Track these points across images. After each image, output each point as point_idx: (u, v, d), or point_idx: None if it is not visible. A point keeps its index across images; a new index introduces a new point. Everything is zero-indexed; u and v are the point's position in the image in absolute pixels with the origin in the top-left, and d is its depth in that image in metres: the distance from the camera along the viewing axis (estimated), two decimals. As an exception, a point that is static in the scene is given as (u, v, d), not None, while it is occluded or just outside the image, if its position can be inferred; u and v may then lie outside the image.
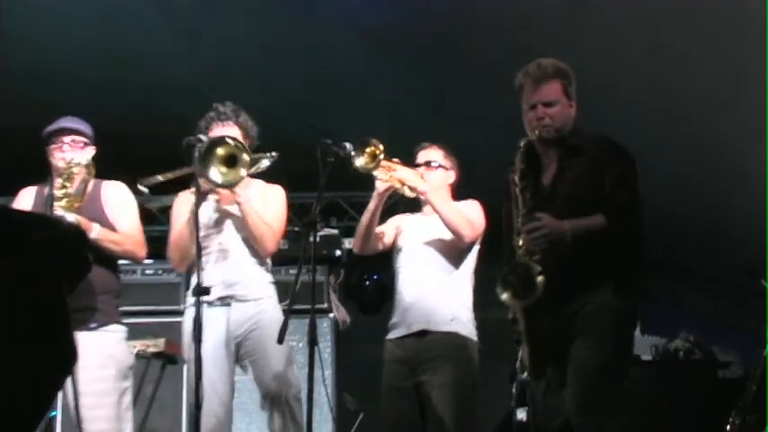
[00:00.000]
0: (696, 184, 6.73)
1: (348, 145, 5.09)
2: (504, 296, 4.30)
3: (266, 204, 5.24)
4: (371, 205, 5.34)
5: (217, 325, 5.12)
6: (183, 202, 5.29)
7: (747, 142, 6.15)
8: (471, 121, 7.17)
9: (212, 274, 5.16)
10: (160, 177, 5.22)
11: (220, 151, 4.97)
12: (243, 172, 4.98)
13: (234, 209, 5.19)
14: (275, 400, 5.09)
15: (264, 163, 5.22)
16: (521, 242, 4.31)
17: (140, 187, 5.28)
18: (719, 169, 6.52)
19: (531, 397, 4.57)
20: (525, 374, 6.39)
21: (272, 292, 5.27)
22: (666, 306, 8.62)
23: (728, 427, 5.52)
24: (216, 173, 4.97)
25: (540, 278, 4.18)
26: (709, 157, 6.35)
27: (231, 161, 4.98)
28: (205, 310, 5.04)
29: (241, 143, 5.04)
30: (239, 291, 5.17)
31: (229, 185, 5.03)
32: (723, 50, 5.74)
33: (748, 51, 5.53)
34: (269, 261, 5.33)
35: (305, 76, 7.18)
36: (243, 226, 5.17)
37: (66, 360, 2.06)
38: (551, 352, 4.36)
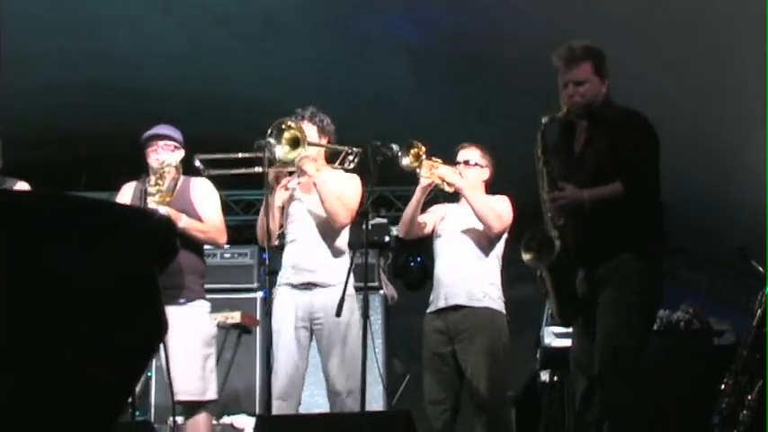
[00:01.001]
0: (694, 173, 6.64)
1: (395, 146, 5.10)
2: (527, 257, 4.24)
3: (342, 187, 5.20)
4: (415, 197, 5.34)
5: (297, 306, 5.12)
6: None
7: (746, 129, 6.04)
8: (499, 125, 7.14)
9: (292, 259, 5.18)
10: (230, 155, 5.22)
11: (286, 135, 4.99)
12: (300, 151, 4.98)
13: (313, 200, 5.18)
14: (335, 388, 5.06)
15: (350, 160, 5.21)
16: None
17: (197, 161, 5.27)
18: (717, 158, 6.43)
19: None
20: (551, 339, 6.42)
21: (350, 279, 5.20)
22: (668, 282, 8.56)
23: (723, 387, 5.46)
24: (280, 151, 4.98)
25: (557, 241, 4.12)
26: (707, 146, 6.25)
27: (295, 144, 5.00)
28: (287, 291, 5.08)
29: (298, 125, 5.04)
30: (316, 277, 5.14)
31: (291, 161, 5.03)
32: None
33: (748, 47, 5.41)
34: (344, 247, 5.27)
35: (360, 89, 7.18)
36: (320, 214, 5.18)
37: (158, 329, 2.07)
38: (580, 303, 4.24)
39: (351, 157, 5.23)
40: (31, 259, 1.78)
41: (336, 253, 5.19)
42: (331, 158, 5.33)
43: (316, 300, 5.10)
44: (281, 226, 5.28)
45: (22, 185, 4.79)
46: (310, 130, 5.16)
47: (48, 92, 7.26)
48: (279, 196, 5.22)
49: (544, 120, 4.27)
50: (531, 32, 5.98)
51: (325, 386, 5.14)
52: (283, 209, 5.24)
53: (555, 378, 7.14)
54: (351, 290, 5.11)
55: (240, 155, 5.18)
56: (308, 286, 5.13)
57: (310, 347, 5.16)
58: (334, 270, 5.13)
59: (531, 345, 7.34)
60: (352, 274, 5.04)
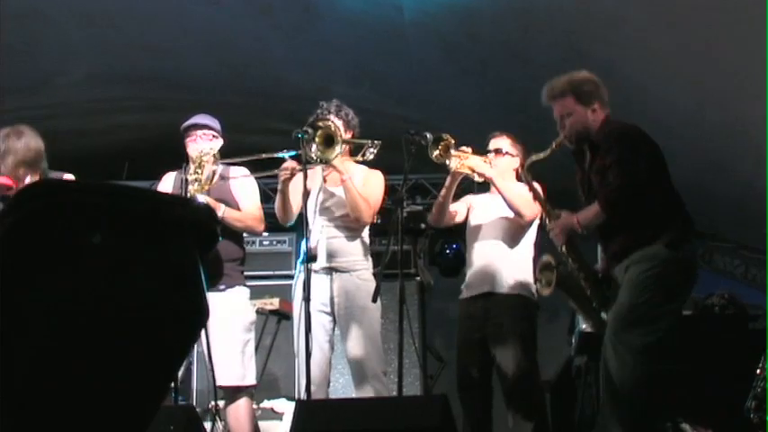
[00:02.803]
0: (729, 158, 6.58)
1: (428, 134, 5.09)
2: (537, 286, 4.88)
3: (366, 184, 5.24)
4: (445, 187, 5.36)
5: (321, 290, 5.14)
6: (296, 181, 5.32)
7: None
8: (534, 113, 7.10)
9: (319, 245, 5.19)
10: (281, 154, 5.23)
11: (320, 133, 5.00)
12: (337, 149, 5.00)
13: (339, 189, 5.20)
14: (359, 371, 5.09)
15: (371, 151, 5.21)
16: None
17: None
18: (751, 144, 6.36)
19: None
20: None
21: (368, 265, 5.26)
22: (704, 268, 8.51)
23: (758, 371, 5.42)
24: (315, 150, 5.00)
25: (555, 267, 4.64)
26: (741, 131, 6.18)
27: (329, 142, 5.02)
28: (313, 276, 5.09)
29: (333, 124, 5.05)
30: (340, 262, 5.18)
31: (326, 161, 5.04)
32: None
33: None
34: (366, 235, 5.32)
35: (396, 78, 7.17)
36: (345, 203, 5.18)
37: (200, 315, 2.08)
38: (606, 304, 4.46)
39: (371, 149, 5.23)
40: (78, 247, 1.80)
41: (358, 239, 5.22)
42: (353, 150, 5.33)
43: (335, 285, 5.13)
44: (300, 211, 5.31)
45: (69, 177, 4.83)
46: (338, 125, 5.18)
47: (90, 83, 7.31)
48: (295, 185, 5.21)
49: (528, 162, 4.73)
50: (570, 20, 5.93)
51: (350, 372, 5.17)
52: (307, 196, 5.24)
53: (590, 363, 7.11)
54: (369, 275, 5.14)
55: (274, 154, 5.19)
56: (329, 271, 5.16)
57: (334, 332, 5.19)
58: (356, 256, 5.17)
59: (565, 331, 7.31)
60: (370, 259, 5.19)
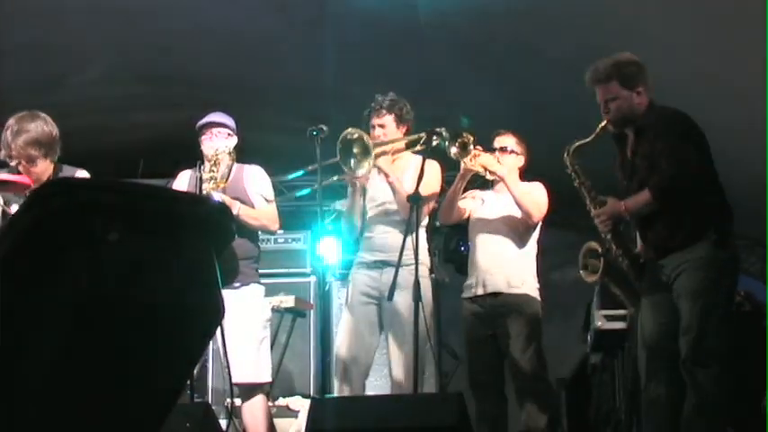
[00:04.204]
0: (746, 154, 6.55)
1: (444, 132, 5.07)
2: (583, 274, 4.72)
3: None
4: (455, 185, 5.34)
5: (368, 284, 5.15)
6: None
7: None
8: (544, 111, 7.09)
9: (368, 239, 5.20)
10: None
11: (356, 145, 4.99)
12: (371, 161, 4.98)
13: (387, 188, 5.20)
14: (396, 379, 5.06)
15: (434, 139, 5.13)
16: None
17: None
18: (764, 148, 6.33)
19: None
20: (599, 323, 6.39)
21: (424, 260, 5.16)
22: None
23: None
24: (355, 165, 4.99)
25: (603, 260, 4.53)
26: (759, 127, 6.16)
27: (365, 151, 5.00)
28: (362, 270, 5.09)
29: (362, 134, 5.03)
30: (389, 256, 5.11)
31: (363, 174, 5.04)
32: None
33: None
34: (422, 231, 5.25)
35: (411, 75, 7.16)
36: (393, 200, 5.18)
37: (215, 313, 2.09)
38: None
39: (435, 138, 5.15)
40: (94, 245, 1.81)
41: (411, 235, 5.20)
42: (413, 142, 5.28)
43: (386, 278, 5.11)
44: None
45: (82, 173, 4.83)
46: (387, 120, 5.17)
47: (105, 81, 7.32)
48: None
49: (572, 146, 4.59)
50: (585, 17, 5.92)
51: (388, 370, 5.16)
52: (364, 191, 5.28)
53: (605, 361, 7.10)
54: (423, 270, 5.10)
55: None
56: (380, 265, 5.15)
57: (379, 326, 5.17)
58: (407, 250, 5.13)
59: (579, 328, 7.30)
60: (426, 254, 5.23)
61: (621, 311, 6.21)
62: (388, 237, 5.19)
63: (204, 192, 4.93)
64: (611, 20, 5.81)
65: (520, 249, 5.39)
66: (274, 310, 6.42)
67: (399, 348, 5.04)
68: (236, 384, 4.96)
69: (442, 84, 7.30)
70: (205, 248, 2.03)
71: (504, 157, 5.42)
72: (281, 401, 6.81)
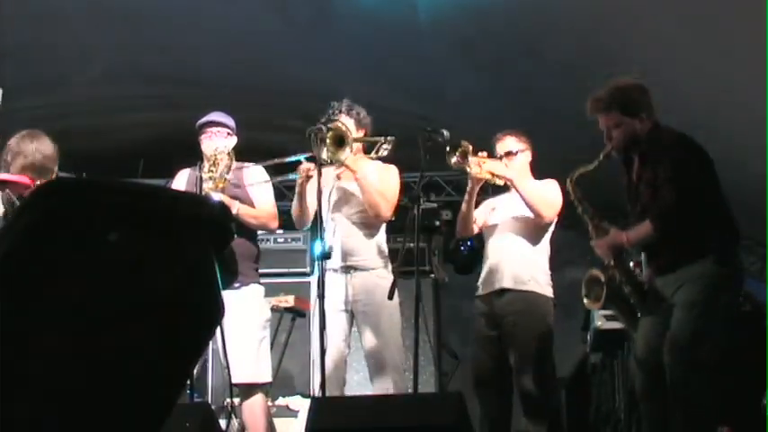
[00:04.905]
0: (746, 156, 6.54)
1: (445, 131, 5.06)
2: (586, 302, 4.79)
3: (381, 179, 5.23)
4: (467, 196, 5.34)
5: (338, 289, 5.14)
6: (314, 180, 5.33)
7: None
8: (546, 113, 7.08)
9: (334, 243, 5.18)
10: (299, 157, 5.21)
11: (330, 134, 4.99)
12: (347, 151, 4.99)
13: (353, 186, 5.20)
14: (378, 367, 5.10)
15: (384, 148, 5.20)
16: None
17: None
18: (765, 148, 6.33)
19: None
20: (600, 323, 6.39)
21: (385, 263, 5.24)
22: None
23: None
24: (326, 152, 4.99)
25: (606, 289, 4.56)
26: (761, 130, 6.16)
27: (340, 143, 5.01)
28: (331, 275, 5.09)
29: (342, 125, 5.05)
30: (358, 261, 5.17)
31: (337, 162, 5.04)
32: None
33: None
34: (383, 233, 5.31)
35: (411, 76, 7.17)
36: (361, 200, 5.18)
37: (215, 313, 2.08)
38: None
39: (385, 146, 5.21)
40: (93, 246, 1.80)
41: (375, 238, 5.21)
42: (367, 148, 5.33)
43: (354, 282, 5.12)
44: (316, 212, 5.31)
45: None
46: (348, 124, 5.17)
47: (105, 81, 7.32)
48: (313, 185, 5.23)
49: (576, 174, 4.60)
50: (585, 16, 5.91)
51: (367, 368, 5.17)
52: (320, 195, 5.24)
53: (605, 360, 7.09)
54: (388, 273, 5.13)
55: (287, 159, 5.19)
56: (348, 269, 5.15)
57: (352, 331, 5.19)
58: (373, 254, 5.16)
59: (579, 327, 7.29)
60: (387, 257, 5.20)
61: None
62: (352, 240, 5.20)
63: (203, 191, 4.93)
64: (610, 18, 5.80)
65: (531, 247, 5.36)
66: (274, 310, 6.42)
67: (373, 335, 5.08)
68: (236, 384, 4.96)
69: (441, 82, 7.30)
70: (204, 248, 2.03)
71: (512, 161, 5.40)
72: (281, 401, 6.81)
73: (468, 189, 5.33)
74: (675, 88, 5.90)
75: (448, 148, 5.11)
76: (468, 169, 5.21)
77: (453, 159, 5.15)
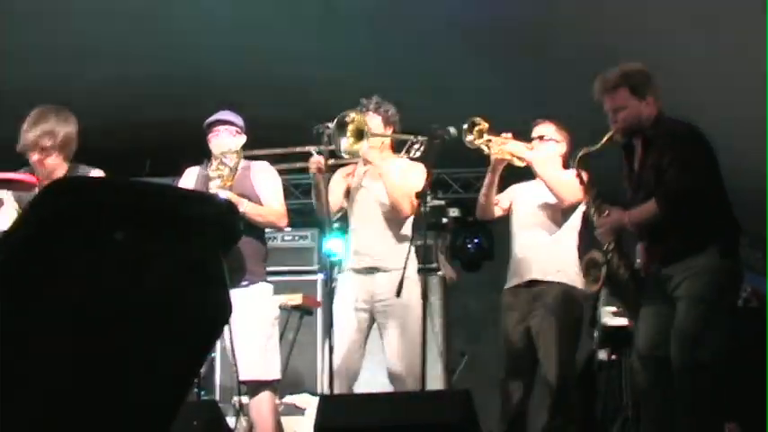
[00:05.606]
0: (752, 150, 6.54)
1: (452, 129, 5.04)
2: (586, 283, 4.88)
3: (406, 176, 5.21)
4: (488, 177, 5.28)
5: (359, 289, 5.15)
6: (337, 177, 5.32)
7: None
8: (557, 108, 7.08)
9: (356, 245, 5.19)
10: (309, 148, 5.22)
11: (350, 127, 5.00)
12: (365, 144, 5.01)
13: (378, 185, 5.20)
14: (398, 372, 5.09)
15: (416, 148, 5.20)
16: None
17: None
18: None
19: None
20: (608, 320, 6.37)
21: (410, 262, 5.21)
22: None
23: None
24: (345, 143, 5.00)
25: (603, 265, 4.56)
26: (763, 122, 6.15)
27: (359, 136, 5.02)
28: (351, 276, 5.10)
29: (362, 117, 5.06)
30: (380, 261, 5.16)
31: (353, 153, 5.05)
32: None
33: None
34: (408, 233, 5.26)
35: (417, 71, 7.16)
36: (385, 199, 5.17)
37: (223, 312, 2.08)
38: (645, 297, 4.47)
39: (416, 146, 5.21)
40: (100, 245, 1.81)
41: (400, 239, 5.20)
42: (397, 147, 5.33)
43: (378, 283, 5.11)
44: (340, 209, 5.32)
45: (97, 173, 4.83)
46: (375, 121, 5.18)
47: (112, 81, 7.33)
48: (338, 181, 5.25)
49: (578, 154, 4.60)
50: (591, 16, 5.91)
51: (387, 368, 5.16)
52: (348, 193, 5.26)
53: (613, 357, 7.07)
54: (413, 273, 5.12)
55: (299, 149, 5.21)
56: (371, 270, 5.14)
57: (369, 332, 5.18)
58: (397, 255, 5.11)
59: (587, 323, 7.28)
60: (414, 257, 5.08)
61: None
62: (375, 239, 5.20)
63: (211, 190, 4.93)
64: (621, 18, 5.80)
65: (555, 237, 5.28)
66: (282, 308, 6.43)
67: (396, 344, 5.06)
68: (244, 382, 4.96)
69: (448, 79, 7.29)
70: (212, 247, 2.03)
71: (542, 145, 5.33)
72: (289, 399, 6.81)
73: (489, 170, 5.27)
74: (684, 87, 5.89)
75: (465, 126, 5.09)
76: (485, 149, 5.18)
77: (470, 138, 5.13)
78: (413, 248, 5.08)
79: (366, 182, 5.28)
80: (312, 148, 5.12)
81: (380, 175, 5.11)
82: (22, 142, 4.59)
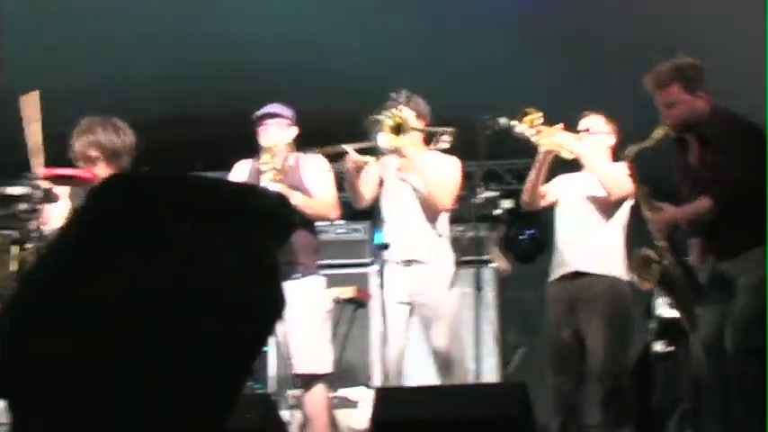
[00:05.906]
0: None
1: (502, 119, 5.02)
2: (635, 280, 4.79)
3: (441, 170, 5.21)
4: (536, 166, 5.25)
5: (398, 282, 5.13)
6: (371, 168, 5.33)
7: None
8: (613, 98, 7.01)
9: (395, 236, 5.20)
10: (345, 147, 5.23)
11: (389, 123, 5.00)
12: (405, 140, 5.01)
13: (414, 178, 5.20)
14: (444, 362, 5.11)
15: (444, 139, 5.20)
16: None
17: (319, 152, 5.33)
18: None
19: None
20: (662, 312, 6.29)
21: (447, 254, 5.21)
22: None
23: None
24: (384, 139, 5.00)
25: (655, 262, 4.48)
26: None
27: (398, 131, 5.02)
28: (390, 267, 5.11)
29: (401, 114, 5.06)
30: (417, 253, 5.15)
31: (394, 150, 5.05)
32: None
33: None
34: (445, 225, 5.27)
35: (469, 63, 7.13)
36: (421, 192, 5.17)
37: (277, 305, 2.07)
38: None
39: (445, 137, 5.20)
40: (156, 239, 1.81)
41: (436, 229, 5.20)
42: (427, 139, 5.33)
43: (415, 275, 5.11)
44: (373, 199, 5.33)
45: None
46: (408, 114, 5.17)
47: (164, 75, 7.38)
48: (372, 172, 5.24)
49: (634, 151, 4.54)
50: (647, 6, 5.84)
51: (432, 358, 5.17)
52: (381, 184, 5.27)
53: (669, 349, 6.99)
54: (449, 265, 5.10)
55: (354, 146, 5.21)
56: (408, 263, 5.14)
57: (410, 324, 5.19)
58: (434, 247, 5.13)
59: (640, 315, 7.20)
60: (450, 249, 5.16)
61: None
62: (412, 232, 5.19)
63: (262, 183, 4.94)
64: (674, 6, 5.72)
65: (602, 228, 5.24)
66: (334, 301, 6.43)
67: (437, 334, 5.11)
68: (298, 375, 4.97)
69: (500, 70, 7.25)
70: (266, 241, 2.02)
71: (590, 137, 5.28)
72: (341, 392, 6.81)
73: (537, 159, 5.23)
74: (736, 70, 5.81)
75: (513, 120, 5.06)
76: (534, 139, 5.13)
77: (520, 128, 5.09)
78: (447, 241, 5.12)
79: (402, 175, 5.27)
80: (349, 147, 5.13)
81: (416, 168, 5.10)
82: (72, 150, 4.63)
